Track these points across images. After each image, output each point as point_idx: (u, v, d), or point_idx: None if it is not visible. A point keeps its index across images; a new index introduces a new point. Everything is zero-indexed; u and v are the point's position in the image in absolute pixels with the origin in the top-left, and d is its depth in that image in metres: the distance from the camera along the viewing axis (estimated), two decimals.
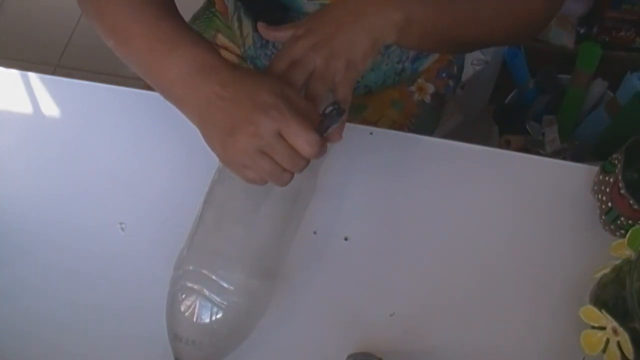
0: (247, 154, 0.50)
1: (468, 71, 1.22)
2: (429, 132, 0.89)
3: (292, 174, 0.52)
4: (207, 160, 0.63)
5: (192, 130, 0.68)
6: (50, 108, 0.75)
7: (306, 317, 0.62)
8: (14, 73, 0.78)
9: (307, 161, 0.51)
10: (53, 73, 1.38)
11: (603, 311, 0.53)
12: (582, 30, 1.31)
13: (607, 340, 0.52)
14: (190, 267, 0.56)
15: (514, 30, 0.64)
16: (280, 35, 0.59)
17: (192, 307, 0.55)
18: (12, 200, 0.71)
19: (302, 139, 0.49)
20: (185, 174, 0.69)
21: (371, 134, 0.70)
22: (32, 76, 0.77)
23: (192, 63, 0.53)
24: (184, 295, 0.56)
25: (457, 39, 0.62)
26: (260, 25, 0.59)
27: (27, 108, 0.76)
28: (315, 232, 0.65)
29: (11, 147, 0.74)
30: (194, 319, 0.55)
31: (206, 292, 0.55)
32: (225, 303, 0.55)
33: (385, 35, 0.55)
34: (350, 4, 0.56)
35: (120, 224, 0.68)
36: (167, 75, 0.54)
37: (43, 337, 0.64)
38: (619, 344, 0.52)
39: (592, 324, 0.54)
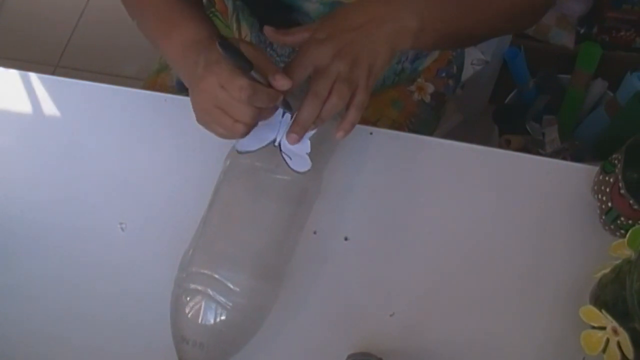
0: (206, 111, 0.55)
1: (468, 71, 1.21)
2: (429, 132, 0.89)
3: (246, 125, 0.54)
4: (207, 160, 0.63)
5: (192, 130, 0.69)
6: (50, 108, 0.75)
7: (306, 317, 0.62)
8: (14, 73, 0.78)
9: (253, 109, 0.53)
10: (53, 73, 1.39)
11: (603, 311, 0.52)
12: (582, 30, 1.30)
13: (607, 340, 0.52)
14: (195, 269, 0.56)
15: (520, 18, 0.67)
16: (290, 39, 0.59)
17: (198, 308, 0.55)
18: (12, 200, 0.71)
19: (234, 85, 0.51)
20: (185, 173, 0.69)
21: (371, 134, 0.69)
22: (32, 76, 0.77)
23: (185, 41, 0.58)
24: (189, 297, 0.55)
25: (468, 36, 0.64)
26: (269, 30, 0.59)
27: (27, 108, 0.76)
28: (315, 232, 0.65)
29: (11, 147, 0.74)
30: (200, 321, 0.55)
31: (211, 292, 0.55)
32: (230, 304, 0.55)
33: (402, 43, 0.57)
34: (369, 10, 0.57)
35: (120, 224, 0.68)
36: (170, 53, 0.61)
37: (42, 336, 0.64)
38: (619, 344, 0.52)
39: (592, 324, 0.54)
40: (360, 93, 0.55)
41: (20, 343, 0.64)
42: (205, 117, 0.56)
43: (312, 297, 0.63)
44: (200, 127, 0.57)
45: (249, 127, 0.55)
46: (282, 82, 0.53)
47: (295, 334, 0.62)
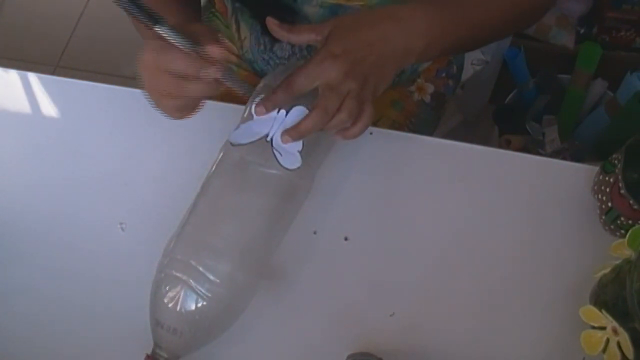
0: (157, 90, 0.55)
1: (468, 71, 1.22)
2: (429, 132, 0.89)
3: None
4: (207, 160, 0.63)
5: (192, 130, 0.68)
6: (50, 108, 0.75)
7: (306, 317, 0.62)
8: (14, 73, 0.78)
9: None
10: (53, 73, 1.38)
11: (603, 311, 0.52)
12: (582, 30, 1.30)
13: (607, 340, 0.52)
14: (179, 257, 0.57)
15: (520, 20, 0.68)
16: (295, 38, 0.59)
17: (177, 296, 0.56)
18: (11, 201, 0.71)
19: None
20: (185, 173, 0.69)
21: (371, 134, 0.69)
22: (32, 76, 0.77)
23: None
24: (169, 284, 0.56)
25: (469, 44, 0.66)
26: (272, 23, 0.58)
27: (26, 108, 0.76)
28: (315, 232, 0.65)
29: (11, 147, 0.74)
30: (178, 308, 0.55)
31: (192, 282, 0.55)
32: (209, 295, 0.55)
33: (406, 62, 0.59)
34: (380, 27, 0.57)
35: (120, 224, 0.68)
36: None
37: (41, 337, 0.64)
38: (619, 344, 0.52)
39: (592, 324, 0.54)
40: (367, 109, 0.57)
41: (15, 343, 0.64)
42: (156, 95, 0.57)
43: (312, 297, 0.63)
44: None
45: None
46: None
47: (295, 334, 0.62)
